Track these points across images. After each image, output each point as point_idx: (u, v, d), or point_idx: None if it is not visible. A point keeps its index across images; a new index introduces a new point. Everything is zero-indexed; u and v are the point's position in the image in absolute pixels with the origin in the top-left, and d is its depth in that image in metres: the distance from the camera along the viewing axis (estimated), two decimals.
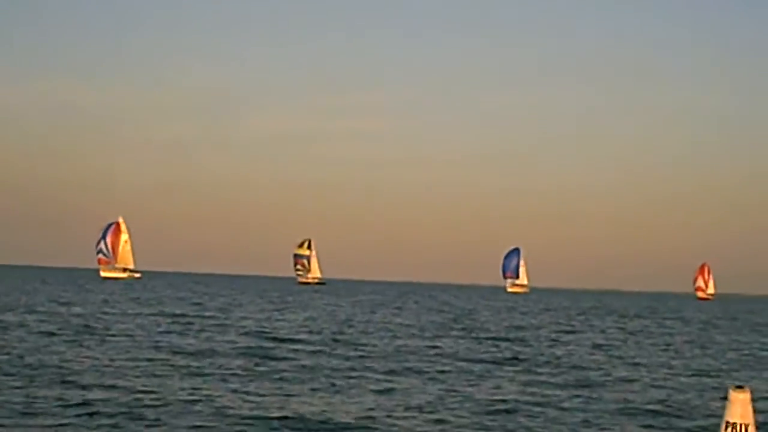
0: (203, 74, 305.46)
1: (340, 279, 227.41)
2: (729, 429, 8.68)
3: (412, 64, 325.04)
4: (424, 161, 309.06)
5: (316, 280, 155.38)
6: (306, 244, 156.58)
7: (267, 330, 36.32)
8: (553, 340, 37.76)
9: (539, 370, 24.92)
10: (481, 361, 26.95)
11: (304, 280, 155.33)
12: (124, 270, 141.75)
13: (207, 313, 47.36)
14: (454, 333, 39.60)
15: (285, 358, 25.15)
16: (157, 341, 28.74)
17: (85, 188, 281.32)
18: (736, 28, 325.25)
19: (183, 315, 44.85)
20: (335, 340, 32.18)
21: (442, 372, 23.40)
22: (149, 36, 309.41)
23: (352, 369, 23.16)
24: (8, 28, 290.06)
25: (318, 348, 28.98)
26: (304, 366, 23.42)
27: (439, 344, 32.65)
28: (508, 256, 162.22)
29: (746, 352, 36.09)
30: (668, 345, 37.91)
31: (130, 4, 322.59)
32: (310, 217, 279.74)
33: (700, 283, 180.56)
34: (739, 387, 8.83)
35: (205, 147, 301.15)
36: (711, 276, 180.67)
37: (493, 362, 26.68)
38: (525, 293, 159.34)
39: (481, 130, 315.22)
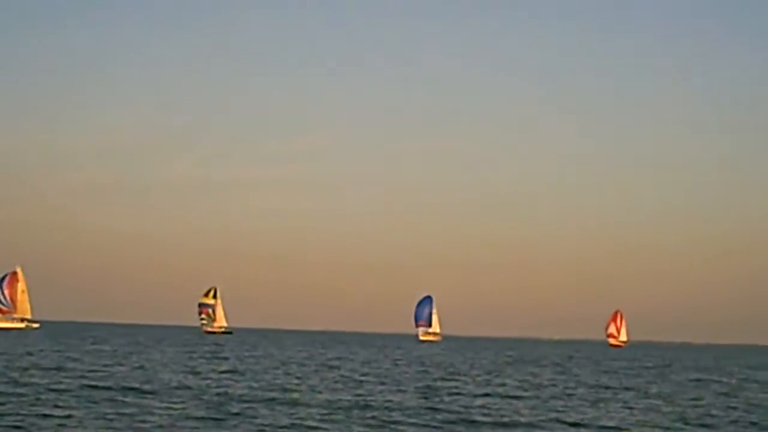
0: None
1: (246, 328, 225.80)
2: None
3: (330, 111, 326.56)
4: (334, 211, 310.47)
5: (222, 329, 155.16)
6: (212, 293, 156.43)
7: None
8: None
9: None
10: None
11: (209, 329, 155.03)
12: (22, 320, 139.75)
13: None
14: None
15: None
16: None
17: None
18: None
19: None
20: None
21: None
22: (69, 77, 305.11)
23: None
24: None
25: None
26: None
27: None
28: (420, 305, 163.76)
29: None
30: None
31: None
32: (218, 266, 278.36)
33: (612, 330, 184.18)
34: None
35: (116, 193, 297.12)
36: (624, 323, 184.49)
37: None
38: (437, 341, 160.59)
39: (391, 178, 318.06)
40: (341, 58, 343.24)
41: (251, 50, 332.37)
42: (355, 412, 26.73)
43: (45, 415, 23.20)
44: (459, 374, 50.28)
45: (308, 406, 27.70)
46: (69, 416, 23.25)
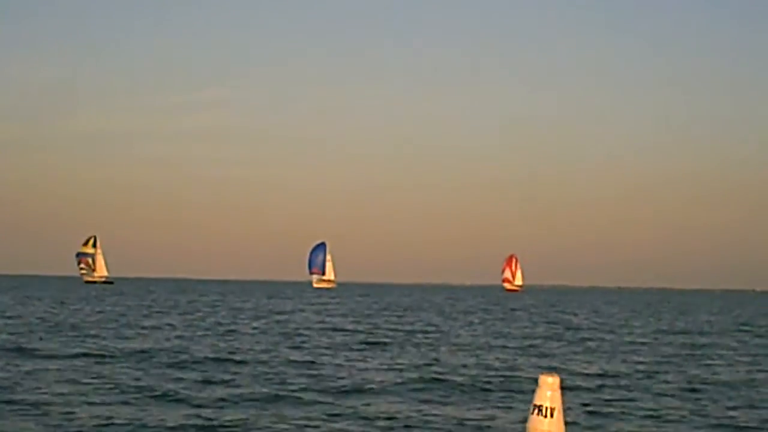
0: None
1: (129, 277, 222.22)
2: (536, 412, 9.12)
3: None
4: (228, 158, 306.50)
5: (102, 279, 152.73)
6: (91, 242, 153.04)
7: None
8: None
9: None
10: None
11: (89, 278, 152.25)
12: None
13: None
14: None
15: None
16: None
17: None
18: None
19: None
20: None
21: None
22: None
23: None
24: None
25: None
26: None
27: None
28: (313, 251, 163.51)
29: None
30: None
31: None
32: (98, 214, 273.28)
33: (508, 274, 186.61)
34: (549, 372, 9.42)
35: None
36: (519, 267, 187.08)
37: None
38: (332, 288, 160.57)
39: (293, 124, 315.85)
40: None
41: None
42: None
43: None
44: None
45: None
46: None
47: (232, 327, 41.03)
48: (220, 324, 43.31)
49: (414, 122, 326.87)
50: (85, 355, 25.93)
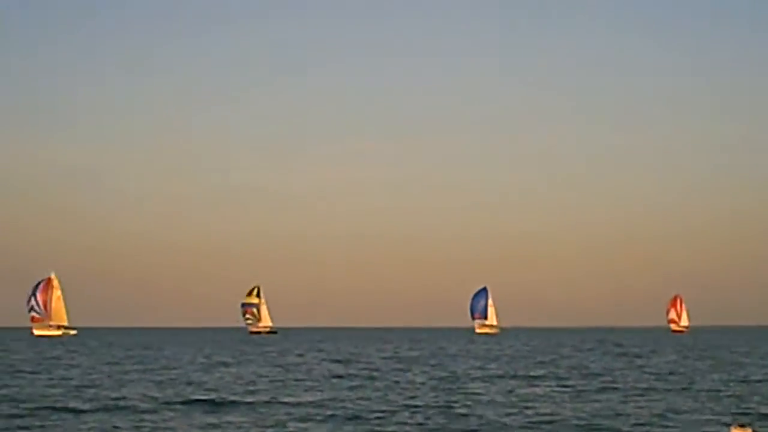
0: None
1: (292, 327, 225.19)
2: None
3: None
4: (386, 209, 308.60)
5: (267, 329, 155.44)
6: (255, 292, 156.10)
7: None
8: None
9: None
10: None
11: (255, 329, 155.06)
12: (59, 327, 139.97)
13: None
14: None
15: None
16: None
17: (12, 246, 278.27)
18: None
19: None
20: None
21: None
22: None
23: None
24: None
25: None
26: None
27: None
28: (475, 297, 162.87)
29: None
30: None
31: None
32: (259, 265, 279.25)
33: (673, 315, 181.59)
34: (742, 425, 9.21)
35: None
36: (684, 308, 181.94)
37: None
38: (494, 334, 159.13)
39: (453, 173, 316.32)
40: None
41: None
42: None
43: None
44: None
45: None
46: None
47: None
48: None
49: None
50: None
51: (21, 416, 26.62)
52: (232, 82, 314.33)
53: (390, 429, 24.23)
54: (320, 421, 25.81)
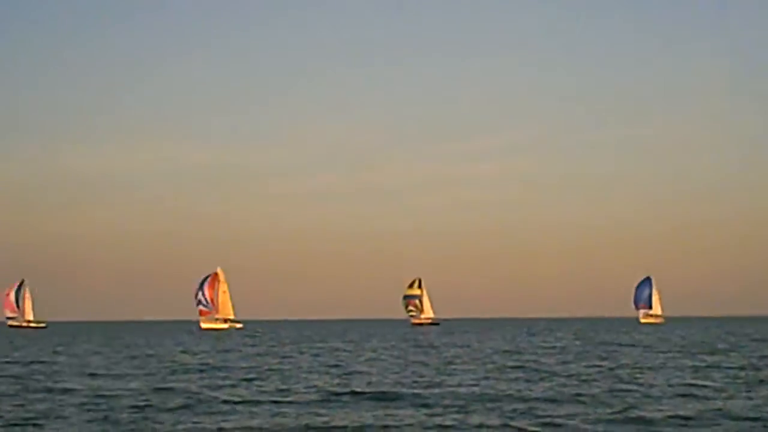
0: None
1: (452, 318, 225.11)
2: None
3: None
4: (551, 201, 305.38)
5: (429, 320, 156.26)
6: (416, 284, 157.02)
7: None
8: None
9: None
10: None
11: (417, 320, 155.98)
12: (225, 321, 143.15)
13: None
14: None
15: None
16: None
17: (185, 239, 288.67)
18: None
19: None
20: None
21: None
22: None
23: None
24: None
25: None
26: None
27: None
28: (640, 286, 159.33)
29: None
30: None
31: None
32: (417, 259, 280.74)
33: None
34: None
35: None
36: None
37: None
38: (660, 324, 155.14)
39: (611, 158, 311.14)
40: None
41: None
42: None
43: None
44: None
45: None
46: None
47: None
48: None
49: None
50: None
51: (188, 406, 26.78)
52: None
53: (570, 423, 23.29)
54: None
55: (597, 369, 41.47)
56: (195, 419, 24.08)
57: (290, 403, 27.79)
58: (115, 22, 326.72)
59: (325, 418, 24.01)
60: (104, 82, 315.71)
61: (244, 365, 46.58)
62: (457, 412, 24.91)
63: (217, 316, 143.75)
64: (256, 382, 35.39)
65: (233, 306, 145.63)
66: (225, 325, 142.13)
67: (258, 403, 27.81)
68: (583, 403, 27.06)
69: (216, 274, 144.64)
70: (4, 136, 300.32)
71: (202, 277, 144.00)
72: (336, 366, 45.23)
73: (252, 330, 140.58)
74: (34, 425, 23.06)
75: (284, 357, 55.37)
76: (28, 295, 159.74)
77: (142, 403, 27.42)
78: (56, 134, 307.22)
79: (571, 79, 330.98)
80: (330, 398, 28.91)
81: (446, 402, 27.37)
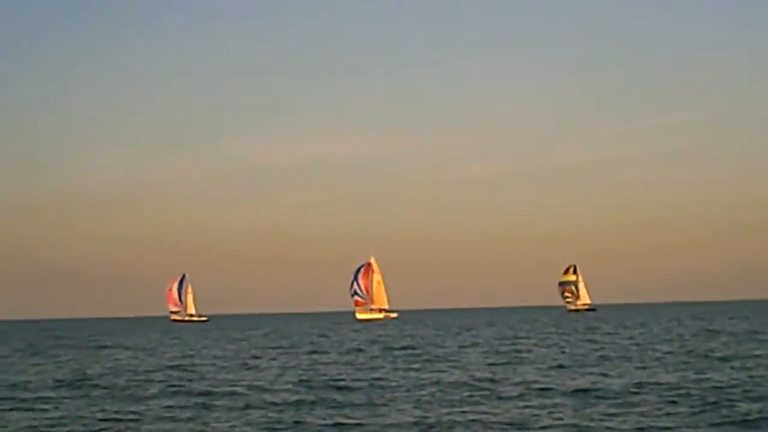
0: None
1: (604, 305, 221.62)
2: None
3: None
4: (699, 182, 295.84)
5: (585, 307, 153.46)
6: (571, 270, 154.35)
7: None
8: None
9: None
10: None
11: (573, 307, 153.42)
12: (380, 311, 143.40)
13: None
14: None
15: None
16: None
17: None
18: None
19: None
20: None
21: None
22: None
23: None
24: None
25: None
26: None
27: None
28: None
29: None
30: None
31: None
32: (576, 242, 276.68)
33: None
34: None
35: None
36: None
37: None
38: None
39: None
40: None
41: None
42: None
43: None
44: None
45: None
46: None
47: None
48: None
49: None
50: None
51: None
52: None
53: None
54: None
55: None
56: None
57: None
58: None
59: None
60: (291, 81, 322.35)
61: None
62: None
63: (372, 306, 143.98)
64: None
65: (388, 296, 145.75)
66: (380, 315, 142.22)
67: None
68: None
69: (369, 264, 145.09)
70: (179, 134, 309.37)
71: (357, 267, 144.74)
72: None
73: (410, 319, 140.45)
74: None
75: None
76: (190, 289, 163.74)
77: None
78: (224, 127, 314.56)
79: None
80: None
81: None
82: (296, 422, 21.72)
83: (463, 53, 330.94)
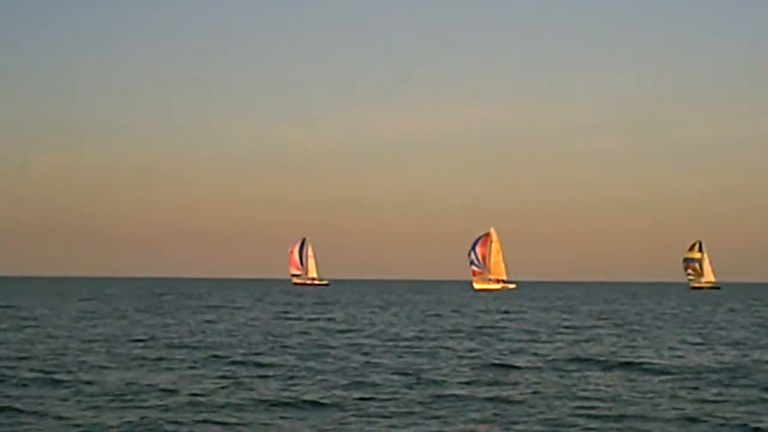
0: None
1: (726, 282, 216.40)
2: None
3: None
4: None
5: (709, 284, 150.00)
6: (696, 247, 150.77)
7: None
8: None
9: None
10: None
11: (697, 284, 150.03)
12: (498, 281, 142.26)
13: None
14: None
15: None
16: None
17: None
18: None
19: None
20: None
21: None
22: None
23: None
24: None
25: None
26: None
27: None
28: None
29: None
30: None
31: None
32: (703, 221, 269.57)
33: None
34: None
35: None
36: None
37: None
38: None
39: None
40: None
41: None
42: None
43: None
44: None
45: None
46: None
47: None
48: None
49: None
50: None
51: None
52: None
53: None
54: None
55: None
56: None
57: None
58: None
59: None
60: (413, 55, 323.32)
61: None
62: None
63: (490, 277, 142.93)
64: None
65: (506, 266, 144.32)
66: (498, 286, 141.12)
67: None
68: None
69: (489, 234, 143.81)
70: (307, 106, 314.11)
71: (476, 237, 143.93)
72: None
73: (530, 291, 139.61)
74: None
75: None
76: (311, 253, 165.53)
77: None
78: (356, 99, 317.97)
79: None
80: None
81: None
82: None
83: (585, 30, 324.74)
